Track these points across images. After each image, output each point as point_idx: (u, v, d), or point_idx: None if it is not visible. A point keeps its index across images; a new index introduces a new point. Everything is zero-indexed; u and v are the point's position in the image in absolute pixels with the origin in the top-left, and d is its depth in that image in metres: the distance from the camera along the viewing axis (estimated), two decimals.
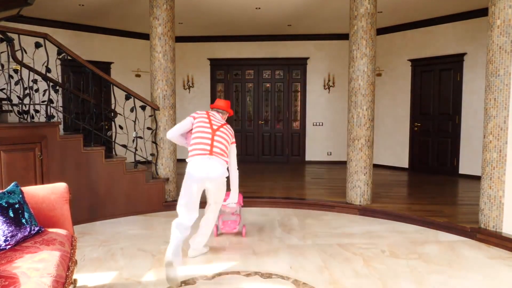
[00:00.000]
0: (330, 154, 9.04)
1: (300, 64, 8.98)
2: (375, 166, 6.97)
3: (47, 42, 4.49)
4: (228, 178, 3.52)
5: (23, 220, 2.40)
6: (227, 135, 3.46)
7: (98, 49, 8.10)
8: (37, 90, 4.48)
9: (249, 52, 9.00)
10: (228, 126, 3.56)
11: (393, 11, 6.81)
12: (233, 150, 3.57)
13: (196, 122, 3.45)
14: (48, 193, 2.78)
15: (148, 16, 5.35)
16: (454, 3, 6.41)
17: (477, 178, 6.18)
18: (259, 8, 6.65)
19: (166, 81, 5.30)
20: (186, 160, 3.38)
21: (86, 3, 6.39)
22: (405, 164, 8.09)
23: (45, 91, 4.57)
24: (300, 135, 9.11)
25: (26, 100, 4.40)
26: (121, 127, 5.15)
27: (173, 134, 3.52)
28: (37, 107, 4.80)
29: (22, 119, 4.27)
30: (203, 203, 3.56)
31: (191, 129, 3.48)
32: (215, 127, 3.41)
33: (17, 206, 2.41)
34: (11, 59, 4.27)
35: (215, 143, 3.34)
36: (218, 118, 3.54)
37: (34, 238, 2.43)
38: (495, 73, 3.91)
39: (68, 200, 2.84)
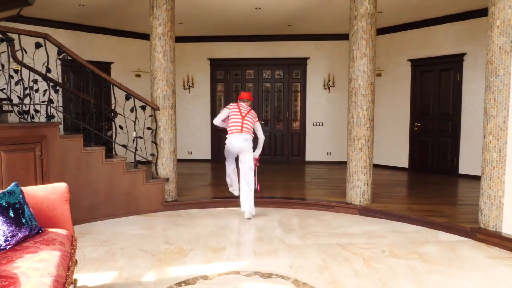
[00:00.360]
0: (330, 154, 9.04)
1: (300, 64, 8.98)
2: (375, 166, 6.97)
3: (47, 42, 4.49)
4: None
5: (23, 220, 2.40)
6: (252, 118, 5.10)
7: (98, 49, 8.11)
8: (37, 90, 4.48)
9: (249, 52, 9.00)
10: (253, 111, 5.19)
11: (393, 11, 6.82)
12: (258, 126, 5.25)
13: (231, 111, 5.10)
14: (48, 193, 2.79)
15: (148, 16, 5.35)
16: (454, 3, 6.41)
17: (477, 178, 6.19)
18: (259, 8, 6.65)
19: (166, 81, 5.30)
20: (227, 136, 5.07)
21: (86, 3, 6.39)
22: (405, 164, 8.09)
23: (45, 91, 4.57)
24: (300, 135, 9.12)
25: (26, 100, 4.40)
26: (121, 127, 5.16)
27: (218, 120, 5.22)
28: (37, 107, 4.81)
29: (22, 119, 4.27)
30: None
31: (228, 116, 5.12)
32: (243, 114, 5.06)
33: (17, 206, 2.41)
34: (11, 59, 4.27)
35: (244, 124, 4.99)
36: (245, 107, 5.15)
37: (34, 238, 2.43)
38: (495, 73, 3.91)
39: (68, 200, 2.85)
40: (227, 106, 5.20)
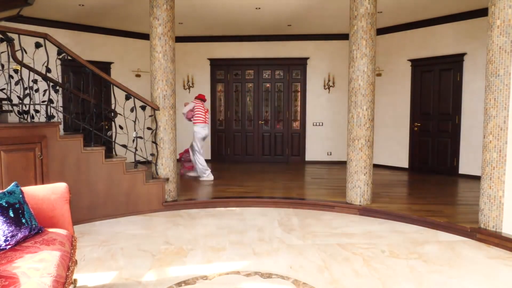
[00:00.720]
0: (330, 154, 9.04)
1: (300, 64, 8.98)
2: (375, 166, 6.97)
3: (47, 42, 4.49)
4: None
5: (23, 220, 2.40)
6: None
7: (98, 49, 8.10)
8: (37, 90, 4.48)
9: (249, 52, 9.01)
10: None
11: (393, 11, 6.82)
12: None
13: (196, 105, 6.97)
14: (48, 193, 2.79)
15: (148, 16, 5.35)
16: (454, 3, 6.41)
17: (477, 178, 6.19)
18: (259, 8, 6.65)
19: (166, 81, 5.30)
20: (194, 124, 6.94)
21: (86, 3, 6.39)
22: (405, 164, 8.09)
23: (45, 91, 4.57)
24: (300, 135, 9.11)
25: (26, 100, 4.40)
26: (121, 127, 5.15)
27: (186, 110, 7.04)
28: (37, 107, 4.81)
29: (22, 119, 4.27)
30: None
31: (193, 109, 6.99)
32: (205, 110, 7.01)
33: (17, 206, 2.41)
34: (11, 59, 4.27)
35: (206, 116, 7.04)
36: (204, 105, 7.10)
37: (34, 238, 2.43)
38: (495, 73, 3.91)
39: (68, 200, 2.84)
40: (193, 101, 7.06)
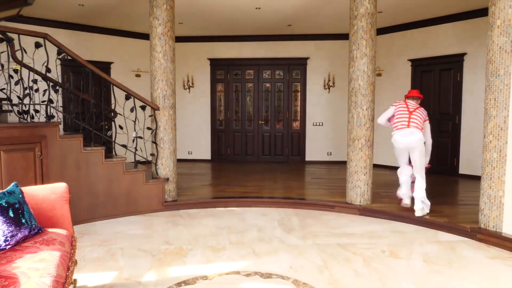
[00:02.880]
0: (330, 154, 9.04)
1: (300, 64, 8.98)
2: (375, 166, 6.95)
3: (47, 42, 4.49)
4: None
5: (23, 220, 2.40)
6: (420, 115, 4.72)
7: (98, 49, 8.10)
8: (37, 90, 4.48)
9: (249, 52, 9.00)
10: (422, 109, 4.81)
11: (393, 11, 6.81)
12: (427, 126, 4.86)
13: (397, 108, 4.82)
14: (48, 193, 2.78)
15: (148, 16, 5.35)
16: (454, 3, 6.41)
17: (477, 178, 6.17)
18: (259, 8, 6.65)
19: (166, 81, 5.30)
20: (392, 133, 4.75)
21: (86, 3, 6.39)
22: None
23: (45, 91, 4.56)
24: (300, 135, 9.11)
25: (26, 100, 4.40)
26: (121, 127, 5.15)
27: (382, 120, 4.97)
28: (37, 107, 4.80)
29: (22, 119, 4.27)
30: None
31: (394, 115, 4.84)
32: (411, 110, 4.73)
33: (17, 206, 2.41)
34: (11, 59, 4.27)
35: (411, 119, 4.66)
36: (413, 104, 4.81)
37: (34, 238, 2.43)
38: (495, 73, 3.91)
39: (68, 200, 2.84)
40: (393, 104, 4.93)
